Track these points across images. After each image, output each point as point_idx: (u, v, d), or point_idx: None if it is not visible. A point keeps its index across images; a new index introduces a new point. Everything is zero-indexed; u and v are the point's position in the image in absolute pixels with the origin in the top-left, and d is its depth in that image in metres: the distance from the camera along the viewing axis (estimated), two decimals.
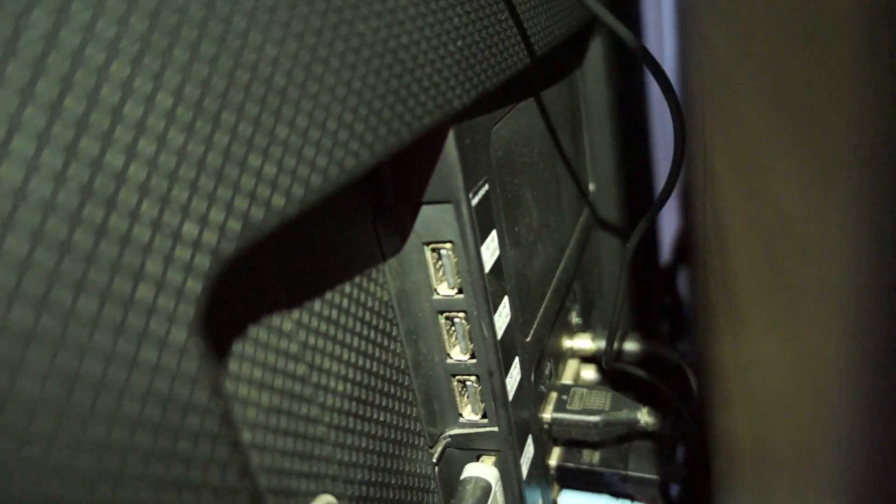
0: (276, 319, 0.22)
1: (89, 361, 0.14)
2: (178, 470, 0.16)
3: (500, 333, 0.33)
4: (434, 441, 0.34)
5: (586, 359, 0.50)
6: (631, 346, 0.48)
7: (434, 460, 0.33)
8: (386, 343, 0.29)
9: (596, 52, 0.52)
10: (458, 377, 0.33)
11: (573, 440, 0.43)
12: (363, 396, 0.27)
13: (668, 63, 0.67)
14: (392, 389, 0.30)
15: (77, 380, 0.14)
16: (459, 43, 0.26)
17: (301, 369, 0.23)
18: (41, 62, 0.13)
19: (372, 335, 0.28)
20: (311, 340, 0.24)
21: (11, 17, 0.12)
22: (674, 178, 0.31)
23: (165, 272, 0.15)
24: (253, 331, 0.21)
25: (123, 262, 0.14)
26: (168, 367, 0.15)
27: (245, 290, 0.21)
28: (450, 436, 0.34)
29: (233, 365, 0.20)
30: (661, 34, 0.70)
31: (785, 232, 0.12)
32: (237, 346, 0.20)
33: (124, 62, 0.14)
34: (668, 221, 0.82)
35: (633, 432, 0.43)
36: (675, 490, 0.46)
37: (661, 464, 0.43)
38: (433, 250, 0.30)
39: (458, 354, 0.33)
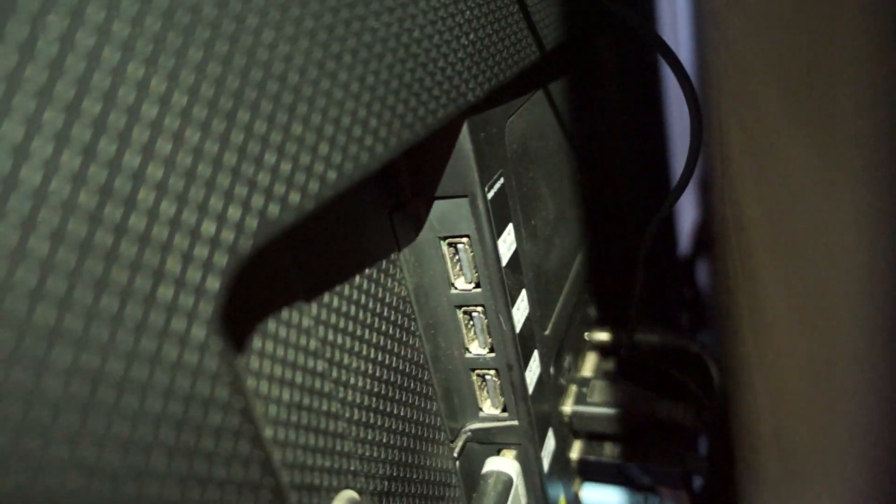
0: (294, 316, 0.22)
1: (112, 360, 0.14)
2: (202, 466, 0.16)
3: (518, 327, 0.33)
4: (455, 435, 0.34)
5: (606, 351, 0.49)
6: (651, 337, 0.47)
7: (455, 454, 0.33)
8: (405, 338, 0.29)
9: (610, 42, 0.51)
10: (477, 371, 0.33)
11: (594, 433, 0.43)
12: (383, 391, 0.27)
13: (684, 53, 0.67)
14: (412, 384, 0.30)
15: (101, 378, 0.14)
16: (472, 36, 0.26)
17: (321, 365, 0.23)
18: (58, 64, 0.13)
19: (390, 330, 0.28)
20: (330, 336, 0.24)
21: (28, 20, 0.13)
22: (690, 168, 0.31)
23: (185, 270, 0.15)
24: (272, 327, 0.21)
25: (143, 261, 0.14)
26: (189, 364, 0.15)
27: (263, 286, 0.21)
28: (470, 430, 0.34)
29: (253, 362, 0.20)
30: (675, 24, 0.70)
31: (803, 219, 0.12)
32: (257, 343, 0.20)
33: (139, 62, 0.14)
34: (686, 212, 0.82)
35: (654, 424, 0.43)
36: (697, 482, 0.46)
37: (683, 456, 0.43)
38: (450, 244, 0.30)
39: (476, 348, 0.33)
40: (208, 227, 0.16)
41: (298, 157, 0.18)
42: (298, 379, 0.22)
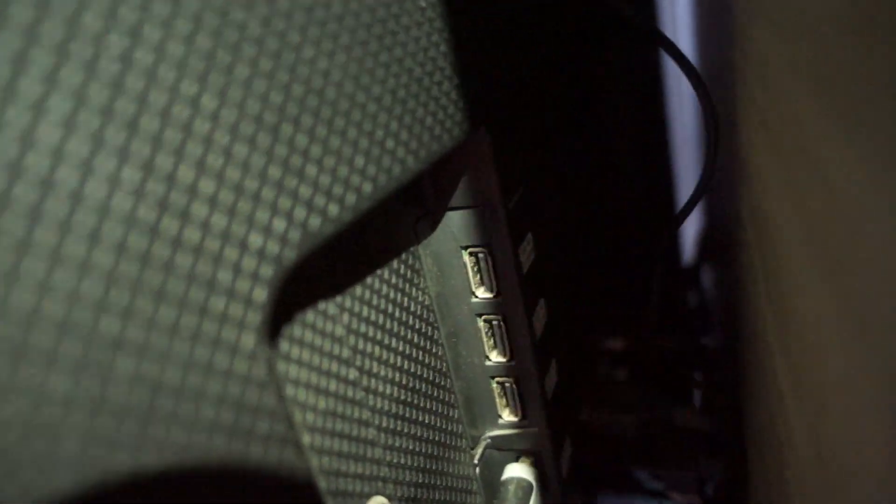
0: (328, 325, 0.22)
1: (171, 369, 0.14)
2: (252, 474, 0.16)
3: (537, 334, 0.33)
4: (475, 442, 0.34)
5: (620, 357, 0.50)
6: (665, 342, 0.48)
7: (475, 461, 0.34)
8: (428, 346, 0.30)
9: (617, 48, 0.52)
10: (497, 379, 0.34)
11: (609, 438, 0.44)
12: (409, 399, 0.28)
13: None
14: (435, 392, 0.30)
15: (160, 387, 0.14)
16: (496, 51, 0.27)
17: (352, 374, 0.24)
18: (120, 83, 0.13)
19: (415, 339, 0.28)
20: (360, 345, 0.24)
21: (92, 40, 0.13)
22: (709, 171, 0.31)
23: (235, 281, 0.16)
24: (308, 336, 0.21)
25: (198, 272, 0.15)
26: (240, 372, 0.16)
27: (301, 296, 0.21)
28: (490, 437, 0.35)
29: (292, 370, 0.21)
30: (675, 25, 0.70)
31: (842, 223, 0.13)
32: (295, 352, 0.21)
33: (193, 80, 0.15)
34: (688, 219, 0.82)
35: (668, 429, 0.43)
36: (710, 488, 0.46)
37: (697, 461, 0.43)
38: (471, 254, 0.31)
39: (496, 356, 0.33)
40: (256, 239, 0.16)
41: (336, 170, 0.19)
42: (332, 387, 0.22)
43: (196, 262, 0.15)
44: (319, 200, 0.18)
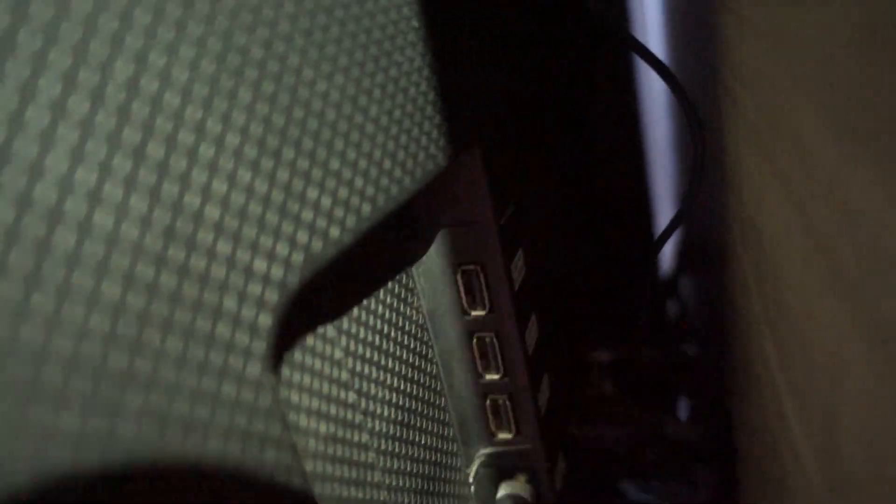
0: (328, 348, 0.22)
1: (179, 401, 0.14)
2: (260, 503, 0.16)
3: (530, 350, 0.33)
4: (469, 461, 0.34)
5: (609, 369, 0.50)
6: (654, 354, 0.48)
7: (470, 480, 0.33)
8: (423, 366, 0.29)
9: (602, 60, 0.53)
10: (490, 396, 0.33)
11: (600, 452, 0.44)
12: (406, 420, 0.27)
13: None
14: (431, 412, 0.30)
15: (169, 421, 0.14)
16: (488, 71, 0.27)
17: (351, 397, 0.23)
18: (126, 110, 0.13)
19: (411, 359, 0.28)
20: (359, 367, 0.24)
21: (98, 68, 0.13)
22: (697, 184, 0.31)
23: (240, 308, 0.15)
24: (308, 360, 0.21)
25: (204, 301, 0.15)
26: (246, 402, 0.15)
27: (302, 320, 0.21)
28: (484, 455, 0.34)
29: (294, 396, 0.20)
30: (644, 29, 0.70)
31: (855, 239, 0.13)
32: (296, 377, 0.20)
33: (197, 105, 0.15)
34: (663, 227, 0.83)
35: (659, 441, 0.43)
36: (703, 497, 0.46)
37: (689, 472, 0.43)
38: (463, 272, 0.31)
39: (489, 374, 0.33)
40: (260, 265, 0.16)
41: (337, 192, 0.19)
42: (333, 411, 0.22)
43: (202, 290, 0.15)
44: (321, 223, 0.18)
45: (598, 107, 0.51)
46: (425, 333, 0.30)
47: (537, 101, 0.36)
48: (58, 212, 0.12)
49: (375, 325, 0.26)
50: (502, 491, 0.34)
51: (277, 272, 0.17)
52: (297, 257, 0.17)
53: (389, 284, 0.27)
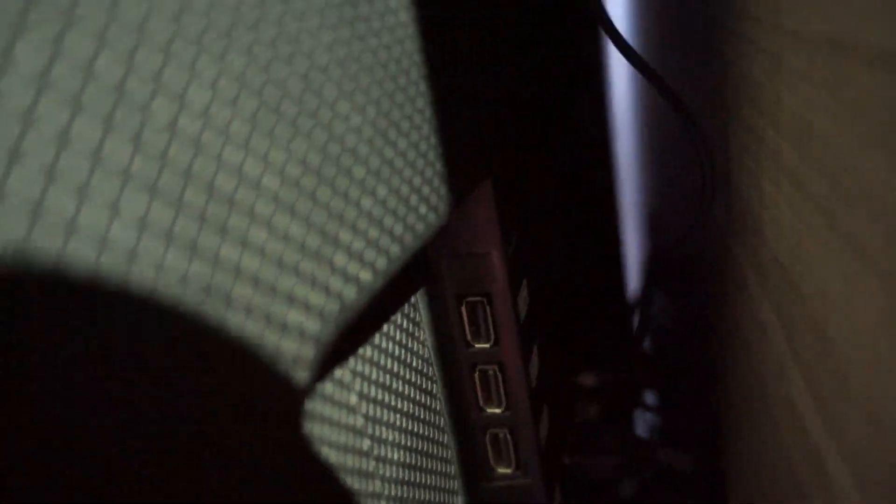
0: (344, 394, 0.21)
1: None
2: None
3: (533, 382, 0.32)
4: (468, 497, 0.33)
5: (595, 393, 0.49)
6: (643, 377, 0.47)
7: None
8: (429, 402, 0.28)
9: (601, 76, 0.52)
10: (491, 430, 0.32)
11: (592, 482, 0.43)
12: (414, 462, 0.26)
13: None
14: (436, 450, 0.28)
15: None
16: (499, 113, 0.26)
17: (366, 444, 0.22)
18: (165, 154, 0.12)
19: (418, 396, 0.27)
20: (373, 411, 0.23)
21: (137, 110, 0.11)
22: (708, 206, 0.31)
23: (274, 365, 0.14)
24: (327, 411, 0.20)
25: (236, 358, 0.13)
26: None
27: (324, 370, 0.20)
28: (485, 490, 0.33)
29: (313, 449, 0.19)
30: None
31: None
32: (316, 430, 0.19)
33: (238, 146, 0.13)
34: (632, 248, 0.83)
35: (652, 468, 0.42)
36: None
37: (681, 497, 0.43)
38: (468, 303, 0.30)
39: (491, 407, 0.32)
40: (296, 318, 0.15)
41: (368, 233, 0.17)
42: (350, 462, 0.21)
43: (235, 347, 0.13)
44: (353, 268, 0.17)
45: (597, 126, 0.51)
46: (430, 368, 0.29)
47: (542, 128, 0.35)
48: (96, 270, 0.10)
49: (386, 363, 0.24)
50: None
51: (313, 326, 0.15)
52: (332, 307, 0.16)
53: (398, 319, 0.26)
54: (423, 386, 0.28)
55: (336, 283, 0.16)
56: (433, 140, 0.21)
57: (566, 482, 0.42)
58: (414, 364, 0.27)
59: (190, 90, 0.12)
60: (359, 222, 0.17)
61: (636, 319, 0.41)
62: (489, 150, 0.25)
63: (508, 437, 0.33)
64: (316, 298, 0.15)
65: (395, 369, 0.25)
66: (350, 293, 0.16)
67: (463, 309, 0.30)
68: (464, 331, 0.30)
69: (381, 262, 0.18)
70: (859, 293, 0.16)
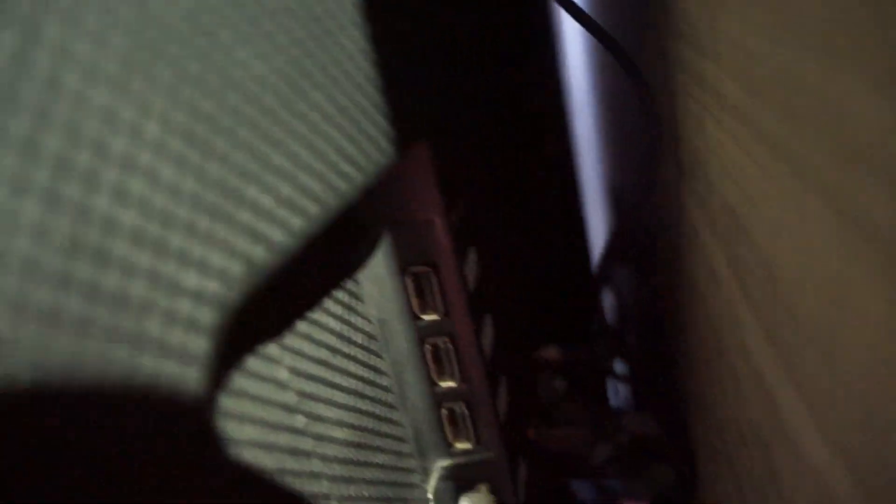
0: (272, 369, 0.20)
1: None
2: None
3: (486, 353, 0.31)
4: (427, 475, 0.32)
5: (558, 368, 0.49)
6: (595, 349, 0.47)
7: (429, 496, 0.31)
8: (375, 379, 0.27)
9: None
10: (446, 405, 0.31)
11: (560, 454, 0.42)
12: (360, 441, 0.25)
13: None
14: (386, 428, 0.27)
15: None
16: (439, 57, 0.25)
17: (300, 421, 0.21)
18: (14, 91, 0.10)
19: (362, 372, 0.26)
20: (307, 388, 0.22)
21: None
22: (653, 174, 0.30)
23: (166, 332, 0.13)
24: (252, 386, 0.18)
25: (122, 326, 0.12)
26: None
27: (240, 342, 0.18)
28: (442, 467, 0.32)
29: (234, 427, 0.18)
30: None
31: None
32: (237, 406, 0.18)
33: (104, 87, 0.12)
34: (592, 219, 0.82)
35: (618, 435, 0.42)
36: (665, 492, 0.45)
37: (648, 466, 0.42)
38: (413, 274, 0.28)
39: (445, 381, 0.31)
40: (190, 280, 0.13)
41: (279, 190, 0.16)
42: (282, 440, 0.19)
43: (120, 312, 0.12)
44: (262, 227, 0.16)
45: (539, 93, 0.50)
46: (374, 343, 0.27)
47: (482, 91, 0.34)
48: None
49: (322, 338, 0.23)
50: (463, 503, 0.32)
51: (212, 287, 0.14)
52: (236, 268, 0.15)
53: (336, 293, 0.25)
54: (369, 362, 0.27)
55: (241, 243, 0.15)
56: (356, 95, 0.19)
57: (533, 458, 0.42)
58: (356, 339, 0.26)
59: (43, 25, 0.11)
60: (266, 177, 0.16)
61: (597, 293, 0.41)
62: (423, 109, 0.23)
63: (465, 410, 0.32)
64: (215, 258, 0.14)
65: (334, 344, 0.24)
66: (259, 254, 0.15)
67: (408, 280, 0.28)
68: (410, 303, 0.29)
69: (298, 222, 0.17)
70: (805, 219, 0.15)
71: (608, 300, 0.65)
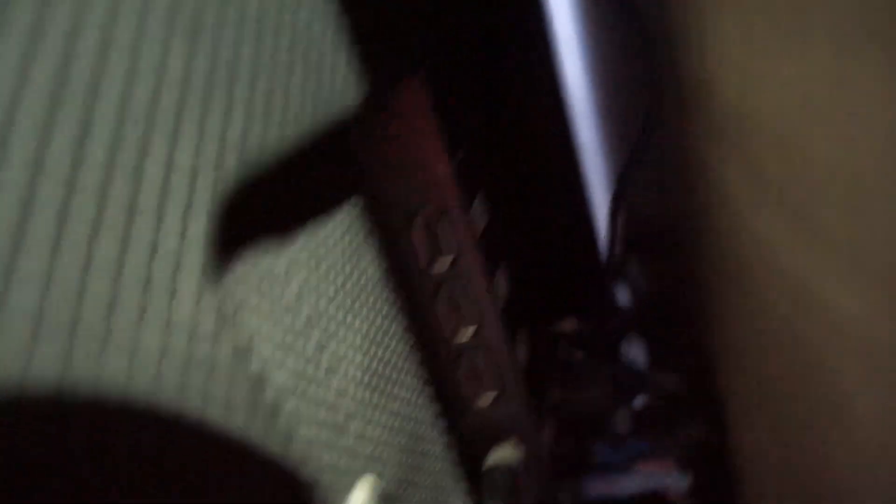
0: (278, 290, 0.20)
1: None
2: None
3: (501, 301, 0.31)
4: (451, 429, 0.32)
5: (576, 339, 0.48)
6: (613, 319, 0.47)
7: (454, 447, 0.31)
8: (386, 326, 0.27)
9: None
10: (465, 357, 0.31)
11: (585, 415, 0.42)
12: (378, 370, 0.25)
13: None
14: (400, 376, 0.27)
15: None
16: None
17: (317, 335, 0.21)
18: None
19: (374, 318, 0.26)
20: (322, 306, 0.22)
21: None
22: (645, 144, 0.30)
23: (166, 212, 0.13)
24: (264, 305, 0.19)
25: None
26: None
27: (243, 234, 0.18)
28: (465, 422, 0.32)
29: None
30: None
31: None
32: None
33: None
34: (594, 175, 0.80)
35: (643, 394, 0.41)
36: (691, 452, 0.44)
37: (675, 426, 0.42)
38: (421, 220, 0.29)
39: (461, 331, 0.31)
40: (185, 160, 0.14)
41: (273, 92, 0.17)
42: (299, 344, 0.19)
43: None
44: (231, 134, 0.16)
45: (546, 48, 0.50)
46: (383, 290, 0.28)
47: (482, 31, 0.34)
48: None
49: (336, 280, 0.23)
50: (491, 459, 0.32)
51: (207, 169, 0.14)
52: (231, 159, 0.15)
53: (343, 239, 0.25)
54: (379, 307, 0.27)
55: (233, 135, 0.15)
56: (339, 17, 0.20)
57: (556, 420, 0.41)
58: (363, 282, 0.26)
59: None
60: (236, 89, 0.16)
61: (609, 260, 0.41)
62: (417, 43, 0.24)
63: (484, 361, 0.31)
64: (182, 158, 0.14)
65: (344, 284, 0.24)
66: (230, 161, 0.15)
67: (417, 226, 0.29)
68: (423, 249, 0.29)
69: (273, 133, 0.17)
70: (807, 79, 0.14)
71: (618, 266, 0.65)
